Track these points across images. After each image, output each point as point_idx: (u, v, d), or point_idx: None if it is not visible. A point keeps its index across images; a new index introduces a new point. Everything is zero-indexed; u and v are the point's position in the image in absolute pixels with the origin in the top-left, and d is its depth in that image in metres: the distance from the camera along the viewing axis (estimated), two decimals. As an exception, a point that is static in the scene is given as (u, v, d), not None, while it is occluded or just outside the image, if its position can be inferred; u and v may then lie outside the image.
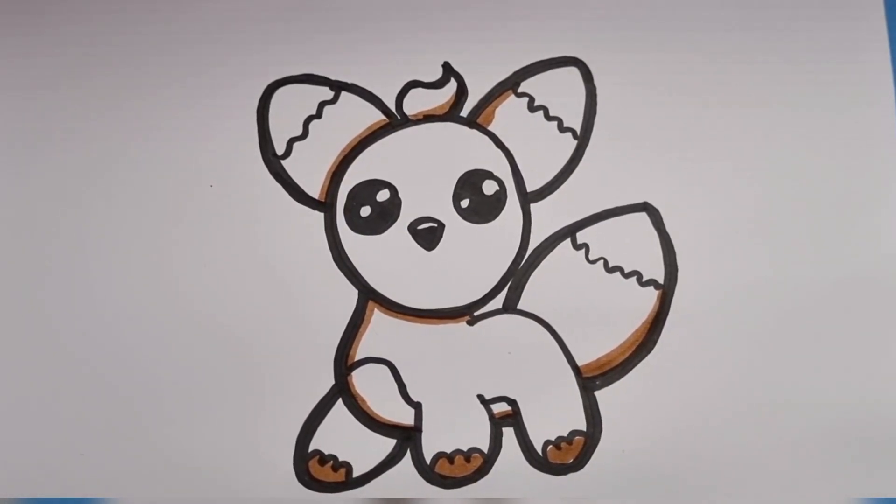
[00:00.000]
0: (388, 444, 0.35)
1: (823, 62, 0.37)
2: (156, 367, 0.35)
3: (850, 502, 0.34)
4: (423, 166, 0.36)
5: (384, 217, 0.36)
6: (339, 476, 0.34)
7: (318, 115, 0.36)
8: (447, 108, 0.37)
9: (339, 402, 0.35)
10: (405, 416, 0.35)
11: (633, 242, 0.36)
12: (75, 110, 0.37)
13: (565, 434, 0.35)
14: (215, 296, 0.35)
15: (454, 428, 0.35)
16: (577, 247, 0.36)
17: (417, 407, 0.35)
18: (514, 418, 0.35)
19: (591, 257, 0.36)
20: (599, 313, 0.35)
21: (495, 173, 0.36)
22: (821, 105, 0.37)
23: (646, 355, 0.35)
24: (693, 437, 0.35)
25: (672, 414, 0.35)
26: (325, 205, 0.36)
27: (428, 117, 0.37)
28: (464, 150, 0.36)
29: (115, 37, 0.37)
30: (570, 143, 0.36)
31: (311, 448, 0.34)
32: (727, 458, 0.35)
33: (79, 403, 0.35)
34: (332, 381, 0.35)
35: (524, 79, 0.37)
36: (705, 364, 0.36)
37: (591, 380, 0.35)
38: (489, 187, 0.36)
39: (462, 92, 0.37)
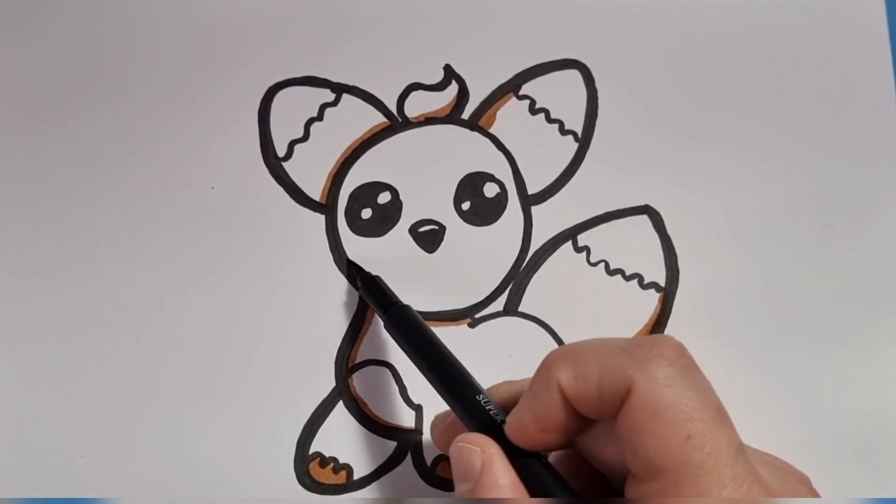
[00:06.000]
0: (389, 447, 0.35)
1: (824, 63, 0.37)
2: (156, 368, 0.35)
3: (850, 502, 0.34)
4: (424, 168, 0.36)
5: (385, 219, 0.36)
6: (340, 478, 0.34)
7: (320, 117, 0.36)
8: (448, 111, 0.36)
9: (340, 404, 0.35)
10: (406, 419, 0.35)
11: (634, 245, 0.36)
12: (74, 112, 0.37)
13: (566, 436, 0.35)
14: (216, 297, 0.35)
15: (455, 430, 0.34)
16: (578, 249, 0.36)
17: (418, 409, 0.35)
18: (515, 420, 0.35)
19: (593, 260, 0.36)
20: (601, 316, 0.35)
21: (496, 176, 0.36)
22: (822, 106, 0.37)
23: (647, 357, 0.35)
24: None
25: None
26: (326, 207, 0.36)
27: (429, 119, 0.36)
28: (465, 152, 0.36)
29: (113, 38, 0.37)
30: (571, 146, 0.36)
31: (311, 450, 0.34)
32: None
33: (79, 403, 0.35)
34: (333, 384, 0.35)
35: (525, 81, 0.37)
36: (706, 366, 0.36)
37: (592, 382, 0.35)
38: (490, 190, 0.36)
39: (463, 94, 0.36)
